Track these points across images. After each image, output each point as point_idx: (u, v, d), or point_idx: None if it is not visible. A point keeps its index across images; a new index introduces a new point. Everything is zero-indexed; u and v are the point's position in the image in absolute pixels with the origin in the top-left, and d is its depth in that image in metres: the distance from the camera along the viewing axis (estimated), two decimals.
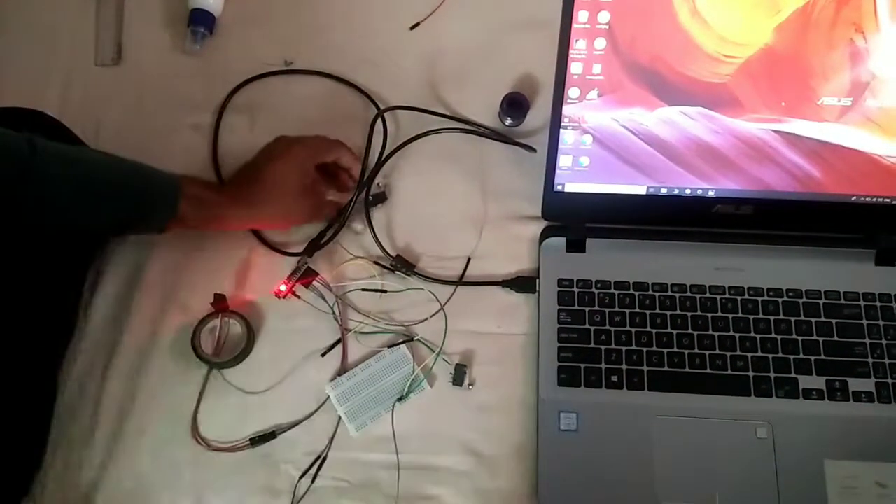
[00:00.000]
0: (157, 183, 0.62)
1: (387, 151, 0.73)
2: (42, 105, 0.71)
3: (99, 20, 0.80)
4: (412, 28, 0.80)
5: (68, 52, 0.79)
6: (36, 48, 0.79)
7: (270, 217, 0.68)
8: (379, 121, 0.73)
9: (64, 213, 0.57)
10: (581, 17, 0.58)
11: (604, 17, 0.58)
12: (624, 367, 0.64)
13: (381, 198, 0.72)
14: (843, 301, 0.66)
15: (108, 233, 0.62)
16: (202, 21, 0.78)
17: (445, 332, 0.67)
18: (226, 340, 0.67)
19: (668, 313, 0.66)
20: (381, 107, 0.74)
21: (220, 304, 0.67)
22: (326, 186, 0.69)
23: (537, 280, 0.68)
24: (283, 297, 0.67)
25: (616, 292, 0.67)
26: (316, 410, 0.65)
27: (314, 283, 0.68)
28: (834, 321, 0.65)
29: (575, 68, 0.60)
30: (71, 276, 0.68)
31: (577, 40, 0.59)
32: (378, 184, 0.73)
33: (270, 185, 0.66)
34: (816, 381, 0.63)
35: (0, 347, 0.61)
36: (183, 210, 0.62)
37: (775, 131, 0.62)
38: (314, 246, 0.69)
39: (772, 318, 0.65)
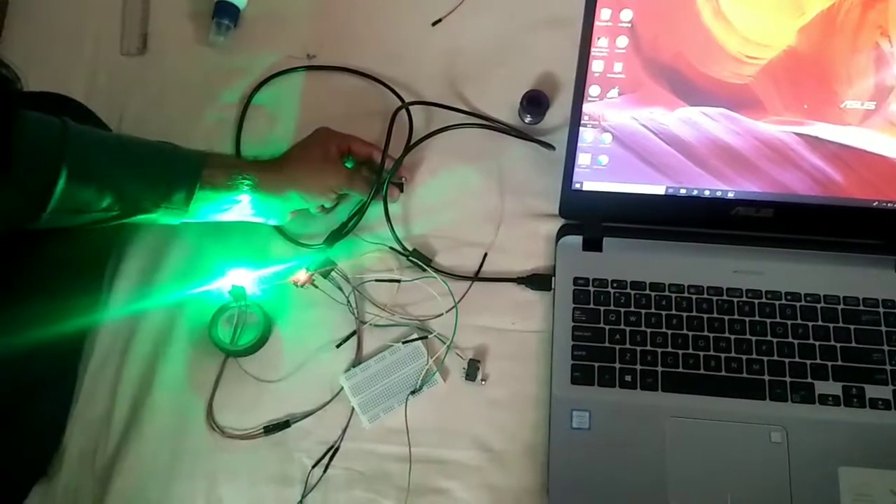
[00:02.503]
0: (184, 150, 0.64)
1: (406, 145, 0.74)
2: (68, 92, 0.72)
3: (125, 10, 0.81)
4: (434, 24, 0.80)
5: (94, 41, 0.80)
6: (63, 37, 0.80)
7: (290, 179, 0.67)
8: (403, 114, 0.73)
9: (100, 180, 0.58)
10: (603, 14, 0.58)
11: (626, 15, 0.57)
12: (638, 366, 0.64)
13: (399, 188, 0.73)
14: (861, 307, 0.65)
15: (137, 206, 0.62)
16: (227, 13, 0.78)
17: (455, 327, 0.67)
18: (243, 329, 0.68)
19: (685, 314, 0.66)
20: (406, 100, 0.75)
21: (238, 293, 0.67)
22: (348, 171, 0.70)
23: (553, 278, 0.68)
24: (302, 286, 0.68)
25: (632, 292, 0.67)
26: (330, 401, 0.66)
27: (332, 273, 0.69)
28: (852, 327, 0.65)
29: (596, 66, 0.60)
30: (92, 261, 0.69)
31: (598, 38, 0.59)
32: (403, 178, 0.73)
33: (294, 154, 0.69)
34: (833, 387, 0.63)
35: (23, 328, 0.62)
36: (210, 167, 0.63)
37: (797, 134, 0.61)
38: (334, 236, 0.70)
39: (789, 322, 0.65)
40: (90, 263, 0.69)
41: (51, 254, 0.64)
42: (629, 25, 0.58)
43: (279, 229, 0.72)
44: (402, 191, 0.73)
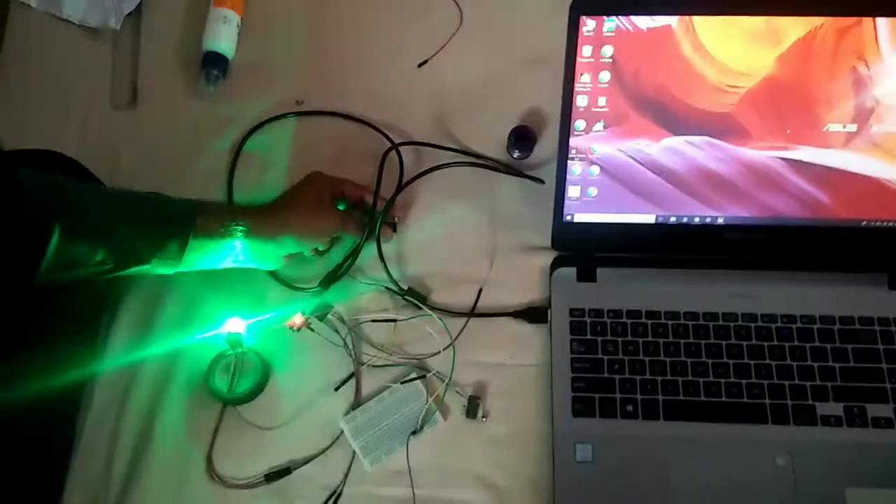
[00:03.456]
0: (176, 200, 0.65)
1: (397, 187, 0.74)
2: (59, 148, 0.73)
3: (115, 64, 0.82)
4: (420, 66, 0.81)
5: (85, 95, 0.81)
6: (53, 90, 0.81)
7: (284, 223, 0.67)
8: (393, 155, 0.74)
9: (94, 235, 0.58)
10: (585, 51, 0.59)
11: (608, 50, 0.59)
12: (639, 396, 0.64)
13: (392, 227, 0.73)
14: (857, 326, 0.65)
15: (132, 258, 0.62)
16: (215, 63, 0.80)
17: (453, 364, 0.67)
18: (240, 376, 0.67)
19: (682, 341, 0.66)
20: (395, 141, 0.75)
21: (235, 340, 0.67)
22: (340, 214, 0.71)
23: (549, 310, 0.69)
24: (298, 330, 0.68)
25: (628, 321, 0.67)
26: (330, 445, 0.65)
27: (328, 316, 0.69)
28: (850, 346, 0.65)
29: (580, 101, 0.61)
30: (88, 313, 0.69)
31: (581, 74, 0.60)
32: (396, 218, 0.74)
33: (286, 199, 0.70)
34: (834, 408, 0.63)
35: (19, 384, 0.61)
36: (203, 216, 0.63)
37: (782, 158, 0.62)
38: (329, 279, 0.70)
39: (786, 344, 0.65)
40: (86, 315, 0.69)
41: (46, 307, 0.64)
42: (611, 61, 0.59)
43: (274, 274, 0.72)
44: (395, 231, 0.73)
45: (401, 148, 0.75)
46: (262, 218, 0.67)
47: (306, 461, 0.65)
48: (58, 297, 0.65)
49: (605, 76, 0.60)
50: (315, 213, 0.69)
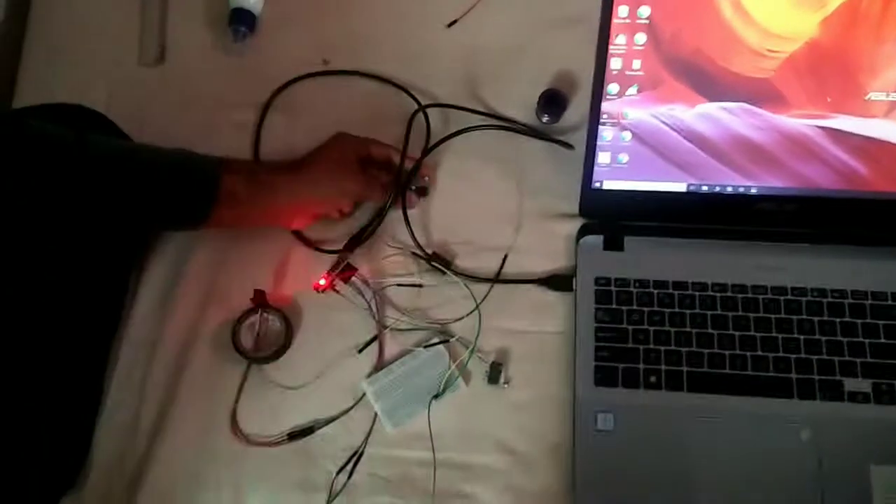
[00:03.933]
0: (201, 157, 0.65)
1: (425, 149, 0.74)
2: (88, 105, 0.73)
3: (143, 20, 0.82)
4: (449, 26, 0.80)
5: (112, 52, 0.81)
6: (81, 48, 0.81)
7: (309, 182, 0.67)
8: (420, 117, 0.73)
9: (120, 191, 0.59)
10: (621, 11, 0.57)
11: (644, 11, 0.57)
12: (663, 367, 0.63)
13: (422, 192, 0.73)
14: (890, 302, 0.64)
15: (159, 214, 0.63)
16: (243, 20, 0.79)
17: (479, 331, 0.67)
18: (265, 336, 0.68)
19: (709, 313, 0.65)
20: (422, 103, 0.75)
21: (260, 300, 0.68)
22: (366, 177, 0.70)
23: (574, 278, 0.68)
24: (323, 291, 0.68)
25: (655, 291, 0.66)
26: (353, 406, 0.66)
27: (353, 278, 0.69)
28: (881, 323, 0.63)
29: (614, 64, 0.60)
30: (115, 272, 0.70)
31: (616, 35, 0.58)
32: (426, 178, 0.73)
33: (312, 158, 0.70)
34: (862, 384, 0.62)
35: (49, 341, 0.63)
36: (229, 173, 0.63)
37: (820, 127, 0.61)
38: (354, 241, 0.70)
39: (816, 318, 0.64)
40: (113, 273, 0.70)
41: (73, 265, 0.65)
42: (647, 22, 0.57)
43: (298, 234, 0.72)
44: (426, 194, 0.73)
45: (428, 110, 0.74)
46: (288, 177, 0.66)
47: (329, 421, 0.65)
48: (88, 249, 0.66)
49: (641, 38, 0.58)
50: (340, 173, 0.68)
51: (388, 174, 0.72)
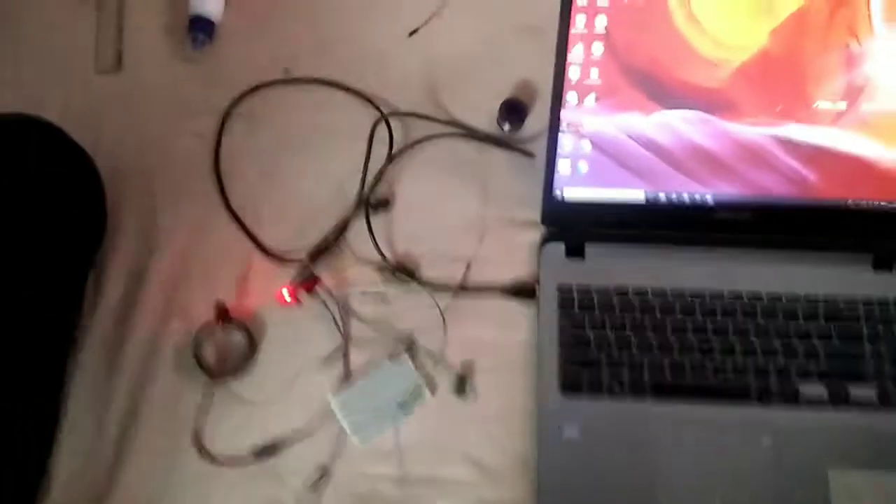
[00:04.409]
0: None
1: (387, 158, 0.74)
2: (42, 113, 0.71)
3: (99, 27, 0.80)
4: (410, 34, 0.80)
5: (68, 59, 0.79)
6: (36, 55, 0.79)
7: None
8: (383, 125, 0.73)
9: None
10: (578, 21, 0.58)
11: (601, 21, 0.58)
12: (626, 374, 0.64)
13: (385, 203, 0.72)
14: (841, 306, 0.66)
15: None
16: (202, 27, 0.78)
17: (446, 340, 0.67)
18: (228, 350, 0.67)
19: (668, 319, 0.66)
20: (384, 111, 0.74)
21: (222, 314, 0.67)
22: None
23: (537, 286, 0.69)
24: (285, 303, 0.67)
25: (616, 297, 0.67)
26: (319, 422, 0.65)
27: (316, 289, 0.68)
28: (833, 325, 0.65)
29: (572, 73, 0.60)
30: (66, 291, 0.69)
31: (574, 45, 0.59)
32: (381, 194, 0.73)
33: None
34: (818, 388, 0.63)
35: (5, 357, 0.61)
36: None
37: (771, 136, 0.62)
38: (317, 251, 0.69)
39: (771, 323, 0.65)
40: (66, 287, 0.68)
41: (24, 274, 0.63)
42: (604, 32, 0.58)
43: (259, 245, 0.71)
44: (388, 204, 0.72)
45: (390, 119, 0.74)
46: None
47: (295, 438, 0.64)
48: (40, 263, 0.64)
49: (598, 48, 0.59)
50: None
51: None
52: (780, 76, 0.59)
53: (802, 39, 0.58)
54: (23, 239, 0.62)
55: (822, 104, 0.60)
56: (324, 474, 0.63)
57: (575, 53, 0.59)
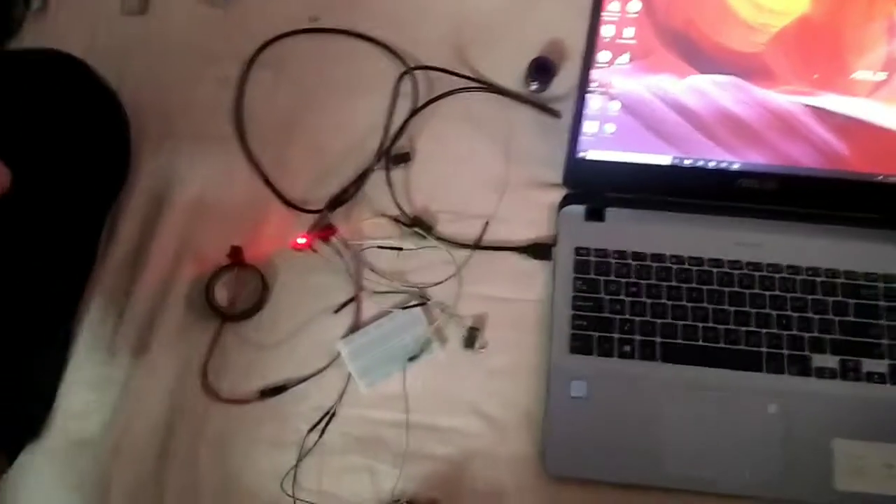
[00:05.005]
0: None
1: (411, 111, 0.73)
2: (67, 50, 0.71)
3: None
4: None
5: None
6: None
7: None
8: (407, 79, 0.72)
9: None
10: None
11: None
12: (637, 337, 0.64)
13: (405, 158, 0.72)
14: (861, 282, 0.65)
15: None
16: None
17: (458, 294, 0.66)
18: (240, 293, 0.67)
19: (685, 286, 0.65)
20: (410, 65, 0.74)
21: (236, 256, 0.67)
22: None
23: (554, 247, 0.68)
24: (301, 250, 0.67)
25: (633, 263, 0.66)
26: (327, 366, 0.65)
27: (332, 239, 0.68)
28: (851, 301, 0.64)
29: (606, 31, 0.59)
30: (87, 225, 0.69)
31: (610, 1, 0.58)
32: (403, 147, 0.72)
33: None
34: (830, 360, 0.63)
35: (19, 291, 0.61)
36: None
37: (806, 105, 0.61)
38: (335, 201, 0.69)
39: (788, 295, 0.65)
40: (86, 219, 0.68)
41: (43, 211, 0.63)
42: None
43: (278, 193, 0.71)
44: (409, 159, 0.72)
45: (416, 73, 0.73)
46: None
47: (302, 380, 0.65)
48: (58, 202, 0.64)
49: (635, 6, 0.58)
50: None
51: None
52: (820, 44, 0.58)
53: (845, 7, 0.56)
54: (48, 171, 0.62)
55: (861, 74, 0.59)
56: (327, 416, 0.64)
57: (610, 10, 0.58)
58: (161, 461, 0.62)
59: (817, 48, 0.58)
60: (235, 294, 0.67)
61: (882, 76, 0.59)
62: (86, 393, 0.64)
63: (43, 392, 0.64)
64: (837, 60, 0.58)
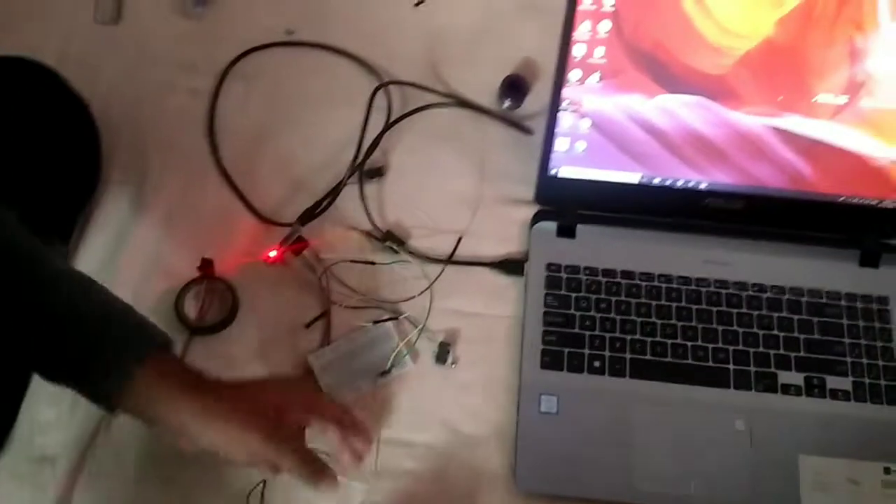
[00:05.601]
0: (125, 337, 0.52)
1: (385, 126, 0.73)
2: (39, 59, 0.70)
3: None
4: (416, 5, 0.79)
5: (68, 7, 0.78)
6: (35, 3, 0.78)
7: (225, 419, 0.52)
8: (382, 93, 0.73)
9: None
10: None
11: None
12: (607, 353, 0.64)
13: (379, 172, 0.72)
14: (825, 300, 0.66)
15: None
16: None
17: (430, 309, 0.67)
18: (210, 306, 0.66)
19: (654, 303, 0.66)
20: (384, 80, 0.74)
21: (207, 269, 0.66)
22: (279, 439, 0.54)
23: (526, 263, 0.68)
24: (273, 264, 0.67)
25: (603, 279, 0.67)
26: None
27: (303, 252, 0.68)
28: (815, 319, 0.66)
29: (577, 50, 0.60)
30: (55, 236, 0.68)
31: (581, 21, 0.59)
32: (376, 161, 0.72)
33: (245, 390, 0.56)
34: (795, 377, 0.64)
35: None
36: (151, 360, 0.52)
37: (770, 126, 0.62)
38: (307, 215, 0.69)
39: (754, 312, 0.66)
40: (52, 235, 0.67)
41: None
42: (612, 10, 0.58)
43: (249, 206, 0.70)
44: (382, 174, 0.72)
45: (389, 88, 0.74)
46: (198, 400, 0.52)
47: None
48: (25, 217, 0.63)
49: (605, 26, 0.59)
50: (243, 425, 0.52)
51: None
52: (784, 66, 0.59)
53: (808, 30, 0.58)
54: (15, 179, 0.61)
55: (823, 97, 0.60)
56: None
57: (581, 30, 0.59)
58: (127, 479, 0.61)
59: (781, 71, 0.60)
60: (205, 307, 0.66)
61: (843, 99, 0.60)
62: (49, 408, 0.63)
63: (4, 406, 0.62)
64: (800, 83, 0.60)
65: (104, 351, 0.51)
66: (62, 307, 0.51)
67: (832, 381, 0.64)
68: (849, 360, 0.64)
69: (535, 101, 0.75)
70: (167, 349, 0.55)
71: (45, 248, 0.53)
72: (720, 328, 0.65)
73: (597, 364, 0.64)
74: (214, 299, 0.66)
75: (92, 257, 0.68)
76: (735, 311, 0.66)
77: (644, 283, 0.67)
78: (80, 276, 0.54)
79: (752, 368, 0.64)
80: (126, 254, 0.68)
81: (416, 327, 0.66)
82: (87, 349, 0.51)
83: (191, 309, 0.66)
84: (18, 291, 0.50)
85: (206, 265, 0.66)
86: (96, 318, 0.52)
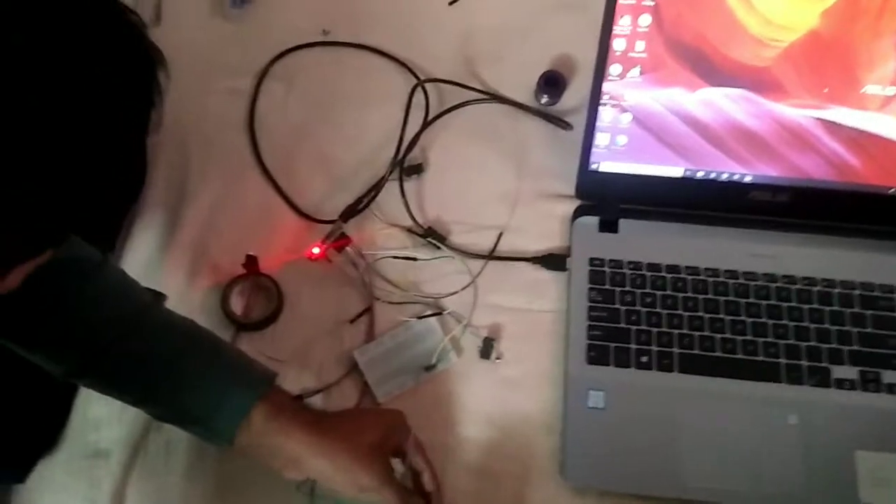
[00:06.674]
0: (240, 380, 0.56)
1: (423, 123, 0.73)
2: None
3: None
4: (451, 3, 0.80)
5: None
6: None
7: (320, 455, 0.55)
8: (419, 91, 0.73)
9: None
10: None
11: None
12: (654, 348, 0.64)
13: (418, 169, 0.72)
14: (877, 293, 0.65)
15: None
16: None
17: (475, 305, 0.67)
18: (255, 302, 0.67)
19: (701, 297, 0.65)
20: (421, 78, 0.74)
21: (252, 266, 0.67)
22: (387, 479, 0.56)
23: (568, 258, 0.68)
24: (316, 260, 0.67)
25: (648, 274, 0.67)
26: (343, 377, 0.65)
27: (346, 249, 0.68)
28: (868, 312, 0.64)
29: (618, 45, 0.60)
30: (102, 235, 0.68)
31: (621, 16, 0.59)
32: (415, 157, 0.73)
33: (350, 424, 0.57)
34: (849, 371, 0.63)
35: None
36: (264, 404, 0.54)
37: (816, 118, 0.62)
38: (349, 212, 0.69)
39: (805, 306, 0.65)
40: (99, 234, 0.68)
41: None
42: (652, 4, 0.58)
43: (292, 203, 0.71)
44: (422, 170, 0.72)
45: (427, 86, 0.74)
46: (311, 435, 0.54)
47: (318, 391, 0.64)
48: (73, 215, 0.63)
49: (646, 20, 0.59)
50: (362, 462, 0.54)
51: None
52: (829, 58, 0.59)
53: (853, 22, 0.57)
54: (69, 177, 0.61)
55: (871, 89, 0.60)
56: None
57: (622, 24, 0.59)
58: (178, 473, 0.62)
59: (827, 63, 0.59)
60: (251, 304, 0.67)
61: (892, 91, 0.59)
62: (102, 404, 0.64)
63: (59, 403, 0.63)
64: (847, 75, 0.59)
65: (230, 397, 0.54)
66: (175, 354, 0.55)
67: (888, 376, 0.62)
68: None
69: (573, 96, 0.75)
70: (273, 382, 0.57)
71: (149, 292, 0.57)
72: (770, 322, 0.64)
73: (644, 359, 0.64)
74: (260, 296, 0.67)
75: (138, 256, 0.69)
76: (785, 304, 0.65)
77: (690, 277, 0.66)
78: (182, 320, 0.58)
79: (805, 363, 0.63)
80: (171, 251, 0.69)
81: (460, 322, 0.66)
82: (208, 401, 0.54)
83: (237, 305, 0.66)
84: (133, 338, 0.54)
85: (251, 262, 0.66)
86: (215, 366, 0.55)
